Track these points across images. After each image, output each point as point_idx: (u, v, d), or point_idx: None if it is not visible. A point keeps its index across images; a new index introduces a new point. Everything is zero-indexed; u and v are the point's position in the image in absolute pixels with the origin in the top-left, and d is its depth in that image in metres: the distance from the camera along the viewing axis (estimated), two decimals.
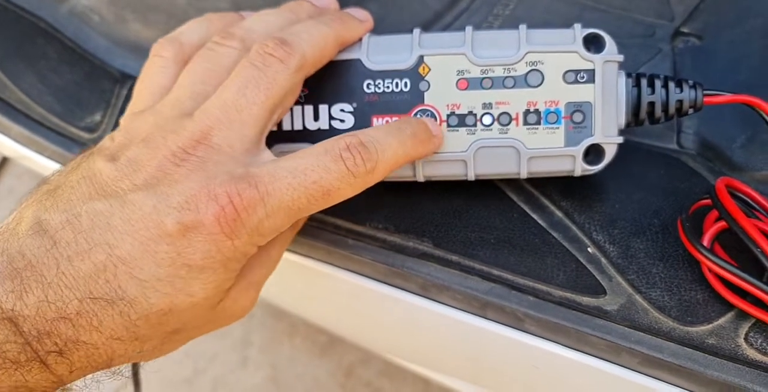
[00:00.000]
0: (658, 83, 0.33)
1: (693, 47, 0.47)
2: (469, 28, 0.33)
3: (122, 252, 0.27)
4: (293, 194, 0.28)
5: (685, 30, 0.48)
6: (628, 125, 0.34)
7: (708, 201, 0.32)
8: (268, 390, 0.88)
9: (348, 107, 0.34)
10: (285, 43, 0.31)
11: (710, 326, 0.31)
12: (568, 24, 0.50)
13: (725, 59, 0.43)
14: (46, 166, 0.44)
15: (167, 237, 0.27)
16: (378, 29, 0.37)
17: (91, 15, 0.47)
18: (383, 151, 0.30)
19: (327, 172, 0.29)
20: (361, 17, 0.35)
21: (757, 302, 0.29)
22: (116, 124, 0.43)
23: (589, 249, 0.34)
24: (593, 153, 0.33)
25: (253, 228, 0.28)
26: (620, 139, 0.33)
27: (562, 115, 0.32)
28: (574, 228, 0.35)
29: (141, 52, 0.46)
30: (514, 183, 0.36)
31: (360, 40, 0.35)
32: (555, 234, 0.35)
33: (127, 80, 0.45)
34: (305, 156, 0.29)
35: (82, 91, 0.44)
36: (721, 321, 0.31)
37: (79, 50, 0.46)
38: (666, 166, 0.37)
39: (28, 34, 0.46)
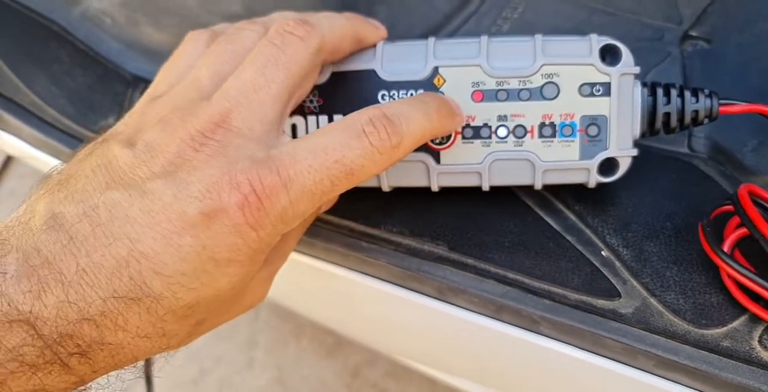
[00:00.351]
0: (673, 93, 0.33)
1: (702, 51, 0.47)
2: (484, 38, 0.33)
3: (144, 246, 0.25)
4: (315, 177, 0.27)
5: (693, 33, 0.48)
6: (643, 135, 0.34)
7: (729, 207, 0.32)
8: (273, 391, 0.88)
9: None
10: (305, 22, 0.30)
11: (725, 329, 0.31)
12: (577, 27, 0.50)
13: (735, 63, 0.43)
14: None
15: (191, 228, 0.26)
16: (388, 32, 0.37)
17: (104, 18, 0.48)
18: (408, 124, 0.28)
19: (349, 149, 0.27)
20: (376, 23, 0.35)
21: None
22: None
23: (603, 252, 0.34)
24: (608, 165, 0.33)
25: (277, 217, 0.27)
26: (635, 152, 0.33)
27: (578, 128, 0.32)
28: (587, 231, 0.35)
29: (153, 55, 0.46)
30: (528, 187, 0.36)
31: (374, 48, 0.34)
32: (569, 238, 0.35)
33: (139, 83, 0.45)
34: (326, 133, 0.28)
35: (95, 94, 0.44)
36: (736, 324, 0.31)
37: (92, 53, 0.46)
38: (677, 170, 0.37)
39: (40, 38, 0.46)
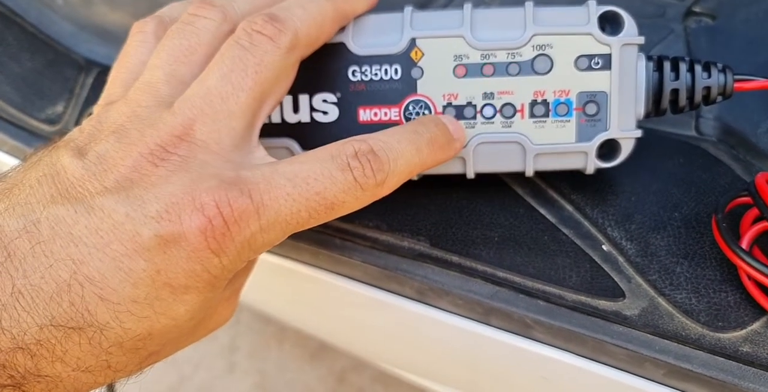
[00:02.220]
0: (683, 67, 0.30)
1: (706, 27, 0.44)
2: (467, 6, 0.30)
3: (90, 269, 0.23)
4: (293, 207, 0.25)
5: (697, 9, 0.45)
6: (647, 115, 0.31)
7: (746, 198, 0.29)
8: None
9: (331, 97, 0.31)
10: (275, 18, 0.27)
11: (744, 332, 0.28)
12: (575, 3, 0.48)
13: (743, 40, 0.41)
14: (3, 161, 0.41)
15: (144, 252, 0.23)
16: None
17: None
18: (395, 160, 0.27)
19: (332, 183, 0.25)
20: None
21: None
22: (80, 115, 0.40)
23: (603, 246, 0.31)
24: (607, 149, 0.30)
25: (243, 243, 0.24)
26: (638, 133, 0.30)
27: (574, 106, 0.30)
28: (586, 223, 0.32)
29: (107, 36, 0.43)
30: (519, 175, 0.33)
31: None
32: (565, 231, 0.32)
33: (92, 67, 0.42)
34: (308, 161, 0.26)
35: (44, 79, 0.41)
36: (756, 326, 0.28)
37: (42, 35, 0.43)
38: (685, 155, 0.35)
39: None
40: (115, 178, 0.24)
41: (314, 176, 0.25)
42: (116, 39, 0.43)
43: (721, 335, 0.28)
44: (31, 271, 0.23)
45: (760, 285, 0.28)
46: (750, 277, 0.28)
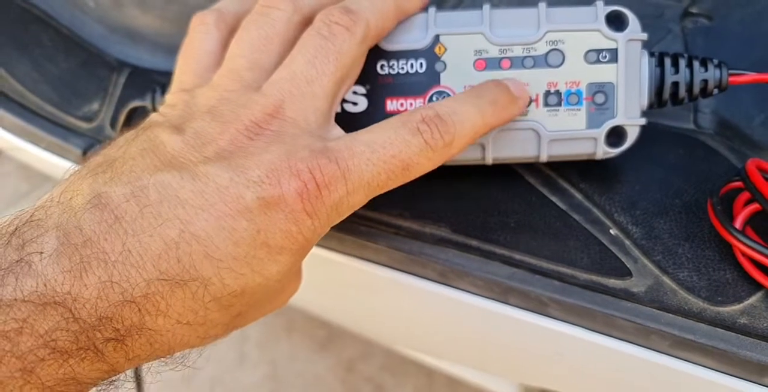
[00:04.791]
0: (682, 62, 0.32)
1: (703, 27, 0.46)
2: (486, 6, 0.32)
3: (196, 228, 0.24)
4: (373, 169, 0.27)
5: (693, 10, 0.47)
6: (650, 106, 0.33)
7: (738, 183, 0.31)
8: (267, 388, 0.86)
9: (361, 89, 0.32)
10: (350, 11, 0.29)
11: (741, 305, 0.30)
12: (579, 3, 0.50)
13: (738, 39, 0.42)
14: (42, 157, 0.43)
15: (247, 212, 0.25)
16: None
17: (86, 1, 0.46)
18: (461, 122, 0.28)
19: (406, 146, 0.27)
20: None
21: None
22: (115, 113, 0.41)
23: (611, 230, 0.33)
24: (615, 135, 0.32)
25: (332, 206, 0.26)
26: (643, 121, 0.32)
27: (584, 96, 0.31)
28: (595, 210, 0.34)
29: (138, 38, 0.45)
30: (531, 166, 0.35)
31: None
32: (576, 217, 0.34)
33: (124, 68, 0.44)
34: (382, 129, 0.28)
35: (79, 79, 0.43)
36: (752, 300, 0.30)
37: (75, 37, 0.45)
38: (684, 146, 0.36)
39: (21, 22, 0.45)
40: (214, 150, 0.26)
41: (390, 141, 0.27)
42: (146, 41, 0.44)
43: (720, 309, 0.30)
44: (140, 231, 0.24)
45: (754, 262, 0.30)
46: (744, 254, 0.30)
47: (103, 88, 0.42)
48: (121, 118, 0.37)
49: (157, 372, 0.28)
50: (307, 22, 0.30)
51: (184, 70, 0.31)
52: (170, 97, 0.30)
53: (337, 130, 0.29)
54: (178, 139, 0.26)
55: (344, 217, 0.28)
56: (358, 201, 0.27)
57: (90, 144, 0.41)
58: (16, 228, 0.24)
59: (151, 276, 0.24)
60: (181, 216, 0.24)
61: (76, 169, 0.27)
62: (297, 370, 0.87)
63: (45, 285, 0.22)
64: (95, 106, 0.42)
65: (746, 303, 0.30)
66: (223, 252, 0.25)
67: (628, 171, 0.35)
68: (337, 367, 0.86)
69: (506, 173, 0.35)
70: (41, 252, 0.23)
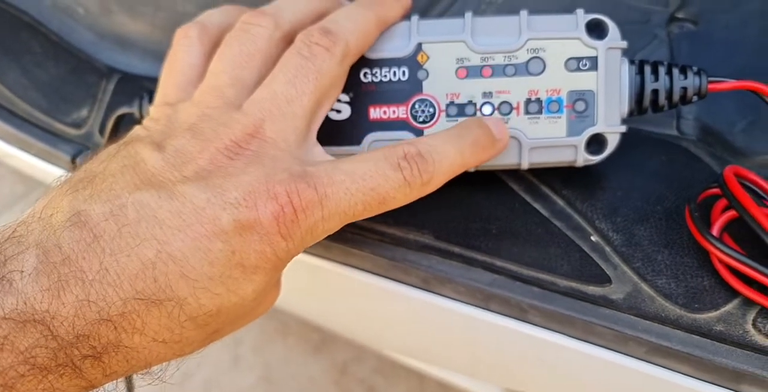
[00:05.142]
0: (661, 70, 0.33)
1: (689, 32, 0.46)
2: (468, 14, 0.33)
3: (173, 248, 0.25)
4: (351, 199, 0.27)
5: (680, 15, 0.47)
6: (631, 114, 0.33)
7: (716, 190, 0.31)
8: (261, 390, 0.87)
9: (344, 97, 0.33)
10: (329, 31, 0.30)
11: (717, 313, 0.30)
12: (563, 10, 0.50)
13: (722, 44, 0.43)
14: (31, 163, 0.43)
15: (222, 234, 0.25)
16: None
17: (76, 7, 0.46)
18: (440, 162, 0.29)
19: (385, 180, 0.28)
20: None
21: (764, 289, 0.29)
22: (104, 119, 0.42)
23: (592, 237, 0.33)
24: (595, 143, 0.32)
25: (307, 230, 0.27)
26: (623, 128, 0.32)
27: (564, 103, 0.32)
28: (576, 216, 0.34)
29: (127, 45, 0.45)
30: (514, 172, 0.35)
31: None
32: (557, 224, 0.34)
33: (113, 74, 0.44)
34: (364, 160, 0.28)
35: (68, 86, 0.43)
36: (729, 307, 0.30)
37: (64, 44, 0.45)
38: (667, 153, 0.37)
39: (11, 29, 0.45)
40: (193, 169, 0.26)
41: (370, 173, 0.28)
42: (135, 47, 0.45)
43: (696, 316, 0.30)
44: (118, 250, 0.24)
45: (731, 269, 0.30)
46: (721, 261, 0.30)
47: (92, 94, 0.43)
48: (109, 124, 0.38)
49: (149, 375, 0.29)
50: (288, 38, 0.31)
51: (168, 83, 0.31)
52: (154, 109, 0.31)
53: (318, 149, 0.30)
54: (159, 156, 0.27)
55: (319, 240, 0.28)
56: (333, 226, 0.28)
57: (79, 150, 0.41)
58: None
59: (127, 295, 0.24)
60: (158, 237, 0.25)
61: (60, 183, 0.27)
62: (291, 373, 0.88)
63: (25, 304, 0.23)
64: (84, 112, 0.42)
65: (722, 310, 0.30)
66: (199, 273, 0.25)
67: (610, 177, 0.36)
68: (331, 370, 0.87)
69: (489, 180, 0.36)
70: (22, 271, 0.23)
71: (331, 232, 0.28)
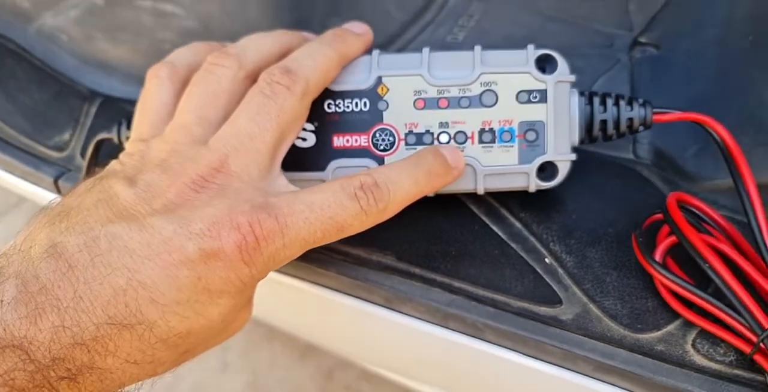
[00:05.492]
0: (609, 101, 0.34)
1: (650, 57, 0.48)
2: (426, 50, 0.34)
3: (142, 276, 0.27)
4: (310, 228, 0.29)
5: (642, 40, 0.49)
6: (582, 142, 0.35)
7: (660, 215, 0.33)
8: None
9: (310, 126, 0.35)
10: (290, 71, 0.32)
11: (659, 333, 0.32)
12: (530, 35, 0.51)
13: (681, 69, 0.44)
14: (16, 185, 0.45)
15: (189, 262, 0.27)
16: None
17: (60, 35, 0.48)
18: (395, 191, 0.31)
19: (343, 209, 0.30)
20: (360, 31, 0.36)
21: (703, 312, 0.31)
22: (85, 142, 0.43)
23: (546, 259, 0.35)
24: (547, 170, 0.34)
25: (269, 257, 0.29)
26: (573, 157, 0.34)
27: (516, 133, 0.34)
28: (532, 239, 0.36)
29: (109, 69, 0.47)
30: (474, 195, 0.37)
31: None
32: (514, 246, 0.36)
33: (95, 98, 0.46)
34: (322, 191, 0.30)
35: (51, 110, 0.45)
36: (670, 328, 0.32)
37: (48, 69, 0.47)
38: (621, 176, 0.38)
39: None
40: (162, 203, 0.29)
41: (328, 203, 0.30)
42: (117, 72, 0.46)
43: (639, 336, 0.32)
44: (91, 279, 0.26)
45: (672, 292, 0.31)
46: (663, 285, 0.32)
47: (74, 118, 0.44)
48: (90, 150, 0.39)
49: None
50: (252, 76, 0.33)
51: (141, 120, 0.33)
52: (129, 145, 0.33)
53: (281, 180, 0.32)
54: (131, 191, 0.29)
55: (282, 265, 0.30)
56: (294, 253, 0.30)
57: (61, 172, 0.43)
58: None
59: (100, 320, 0.26)
60: (129, 265, 0.27)
61: (39, 216, 0.29)
62: (278, 378, 0.89)
63: (4, 330, 0.25)
64: (66, 136, 0.44)
65: (664, 330, 0.32)
66: (168, 298, 0.27)
67: (567, 200, 0.37)
68: (317, 375, 0.88)
69: (451, 202, 0.37)
70: (2, 300, 0.25)
71: (294, 257, 0.30)
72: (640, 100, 0.34)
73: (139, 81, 0.46)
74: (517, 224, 0.36)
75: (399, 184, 0.31)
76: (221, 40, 0.40)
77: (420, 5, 0.56)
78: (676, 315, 0.32)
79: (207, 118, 0.31)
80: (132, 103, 0.45)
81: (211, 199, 0.29)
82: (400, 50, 0.53)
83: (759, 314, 0.29)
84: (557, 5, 0.54)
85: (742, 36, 0.44)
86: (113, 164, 0.32)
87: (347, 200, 0.30)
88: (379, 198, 0.30)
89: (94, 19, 0.48)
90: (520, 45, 0.35)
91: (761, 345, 0.28)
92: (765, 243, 0.30)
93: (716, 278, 0.30)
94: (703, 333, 0.31)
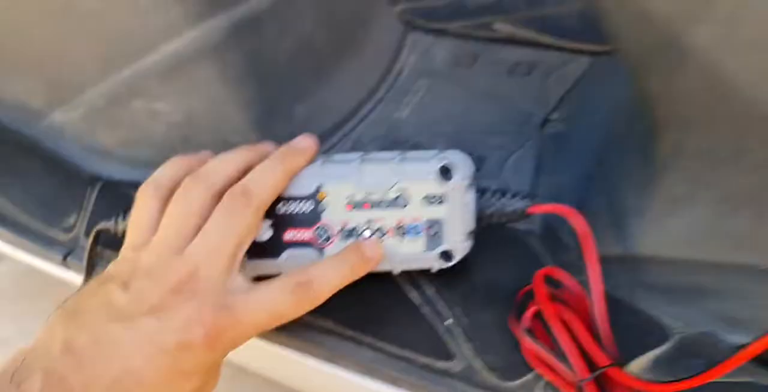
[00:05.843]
0: (497, 195, 0.43)
1: (557, 133, 0.55)
2: (357, 161, 0.42)
3: (132, 364, 0.35)
4: (259, 319, 0.38)
5: (553, 117, 0.56)
6: (477, 227, 0.43)
7: (530, 286, 0.42)
8: None
9: (267, 222, 0.42)
10: (248, 190, 0.39)
11: (520, 381, 0.40)
12: (464, 111, 0.58)
13: (576, 147, 0.52)
14: (31, 262, 0.54)
15: (168, 352, 0.35)
16: (306, 127, 0.47)
17: (67, 128, 0.55)
18: (325, 285, 0.39)
19: (283, 303, 0.38)
20: (304, 145, 0.42)
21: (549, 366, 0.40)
22: (89, 225, 0.52)
23: (446, 322, 0.43)
24: (446, 255, 0.43)
25: (229, 343, 0.37)
26: (467, 244, 0.43)
27: (422, 228, 0.42)
28: (440, 303, 0.44)
29: (108, 157, 0.55)
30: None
31: None
32: (424, 310, 0.44)
33: (96, 182, 0.54)
34: (269, 290, 0.38)
35: (59, 198, 0.53)
36: (529, 376, 0.40)
37: (57, 158, 0.55)
38: (518, 247, 0.47)
39: (13, 151, 0.55)
40: (149, 305, 0.36)
41: (272, 300, 0.38)
42: (115, 159, 0.55)
43: (507, 384, 0.40)
44: (96, 369, 0.34)
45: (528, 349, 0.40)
46: (523, 344, 0.41)
47: (78, 203, 0.52)
48: (90, 238, 0.46)
49: None
50: (220, 194, 0.40)
51: (133, 231, 0.41)
52: (123, 252, 0.41)
53: (240, 279, 0.39)
54: (126, 296, 0.37)
55: (238, 347, 0.39)
56: (248, 337, 0.38)
57: (68, 251, 0.51)
58: (15, 370, 0.35)
59: None
60: (122, 356, 0.35)
61: (57, 312, 0.38)
62: None
63: None
64: (72, 219, 0.52)
65: (524, 379, 0.40)
66: (151, 380, 0.35)
67: (472, 269, 0.46)
68: None
69: (380, 274, 0.45)
70: (32, 389, 0.34)
71: (248, 340, 0.39)
72: (521, 194, 0.43)
73: (133, 165, 0.54)
74: (430, 290, 0.45)
75: (327, 277, 0.39)
76: (202, 128, 0.47)
77: (375, 82, 0.64)
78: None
79: (182, 232, 0.39)
80: (128, 184, 0.54)
81: (185, 301, 0.36)
82: (354, 128, 0.61)
83: (580, 367, 0.37)
84: (489, 81, 0.62)
85: (620, 121, 0.50)
86: (111, 269, 0.40)
87: (288, 295, 0.38)
88: (311, 292, 0.39)
89: (96, 115, 0.54)
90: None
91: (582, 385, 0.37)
92: (596, 318, 0.38)
93: (558, 339, 0.39)
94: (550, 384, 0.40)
